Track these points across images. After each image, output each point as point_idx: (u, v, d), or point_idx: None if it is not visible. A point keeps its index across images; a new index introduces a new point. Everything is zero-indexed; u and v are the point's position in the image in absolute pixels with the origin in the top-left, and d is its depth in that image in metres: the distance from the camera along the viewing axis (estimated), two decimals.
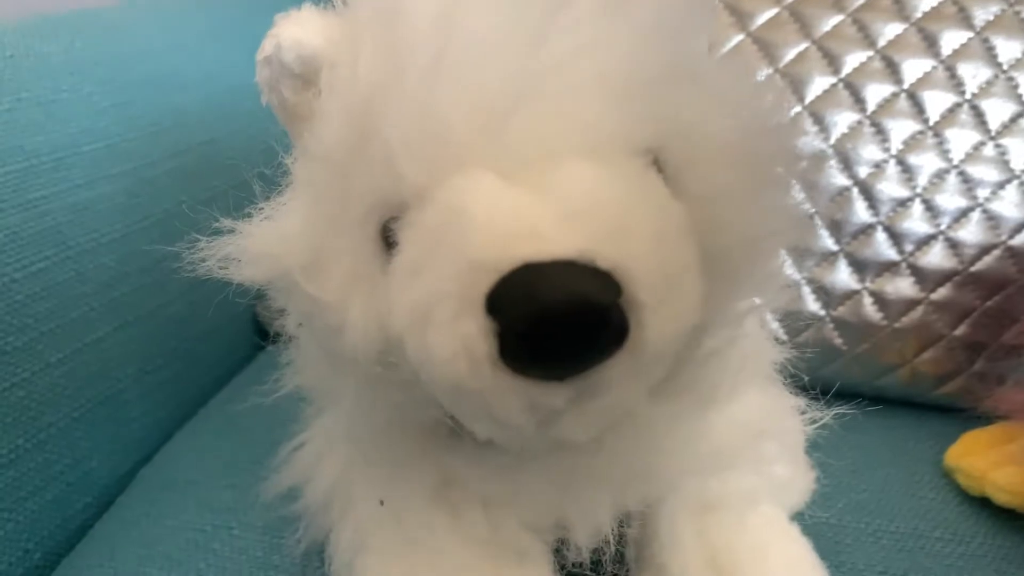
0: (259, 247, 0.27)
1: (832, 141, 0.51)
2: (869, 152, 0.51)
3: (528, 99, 0.22)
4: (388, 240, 0.25)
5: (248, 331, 0.62)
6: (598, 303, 0.20)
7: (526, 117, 0.22)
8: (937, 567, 0.41)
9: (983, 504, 0.45)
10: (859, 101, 0.51)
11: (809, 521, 0.41)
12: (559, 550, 0.33)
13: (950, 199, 0.51)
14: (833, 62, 0.51)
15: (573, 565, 0.32)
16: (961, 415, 0.50)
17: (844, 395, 0.55)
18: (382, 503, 0.32)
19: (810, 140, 0.51)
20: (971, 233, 0.51)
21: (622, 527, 0.34)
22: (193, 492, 0.45)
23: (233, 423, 0.53)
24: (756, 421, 0.33)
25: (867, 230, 0.51)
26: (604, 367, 0.21)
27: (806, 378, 0.39)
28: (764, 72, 0.51)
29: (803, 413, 0.35)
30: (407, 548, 0.32)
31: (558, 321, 0.20)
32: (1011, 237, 0.51)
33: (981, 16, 0.50)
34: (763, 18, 0.52)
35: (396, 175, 0.23)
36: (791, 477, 0.37)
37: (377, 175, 0.24)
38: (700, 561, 0.32)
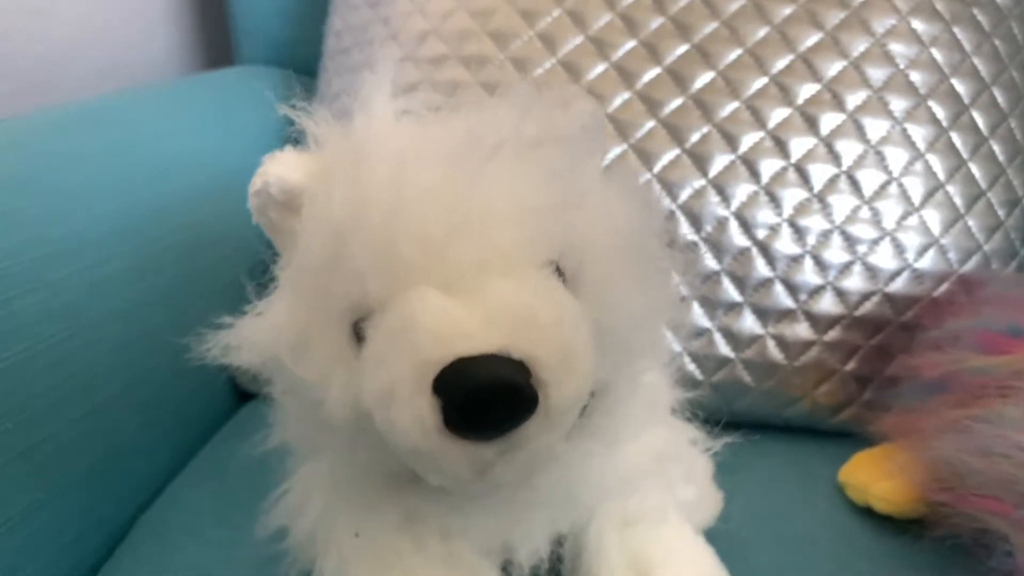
0: (253, 336, 0.35)
1: (733, 209, 0.60)
2: (765, 216, 0.59)
3: (460, 233, 0.31)
4: (358, 335, 0.32)
5: (226, 392, 0.69)
6: (514, 384, 0.28)
7: (459, 246, 0.30)
8: (825, 565, 0.49)
9: (867, 513, 0.52)
10: (755, 174, 0.60)
11: (722, 533, 0.48)
12: (505, 568, 0.40)
13: (835, 254, 0.59)
14: (731, 142, 0.60)
15: None
16: (855, 439, 0.57)
17: (756, 426, 0.64)
18: (357, 535, 0.39)
19: (714, 208, 0.60)
20: (854, 283, 0.60)
21: (560, 545, 0.42)
22: (192, 532, 0.52)
23: (220, 472, 0.59)
24: (660, 451, 0.41)
25: (767, 283, 0.60)
26: (522, 427, 0.29)
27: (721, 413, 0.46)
28: (673, 153, 0.60)
29: (697, 443, 0.43)
30: (381, 572, 0.39)
31: (485, 398, 0.28)
32: (887, 285, 0.60)
33: (852, 101, 0.60)
34: (671, 106, 0.60)
35: (363, 289, 0.31)
36: (698, 498, 0.45)
37: (348, 287, 0.32)
38: (622, 566, 0.40)
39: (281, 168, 0.35)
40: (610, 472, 0.39)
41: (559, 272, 0.33)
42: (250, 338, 0.35)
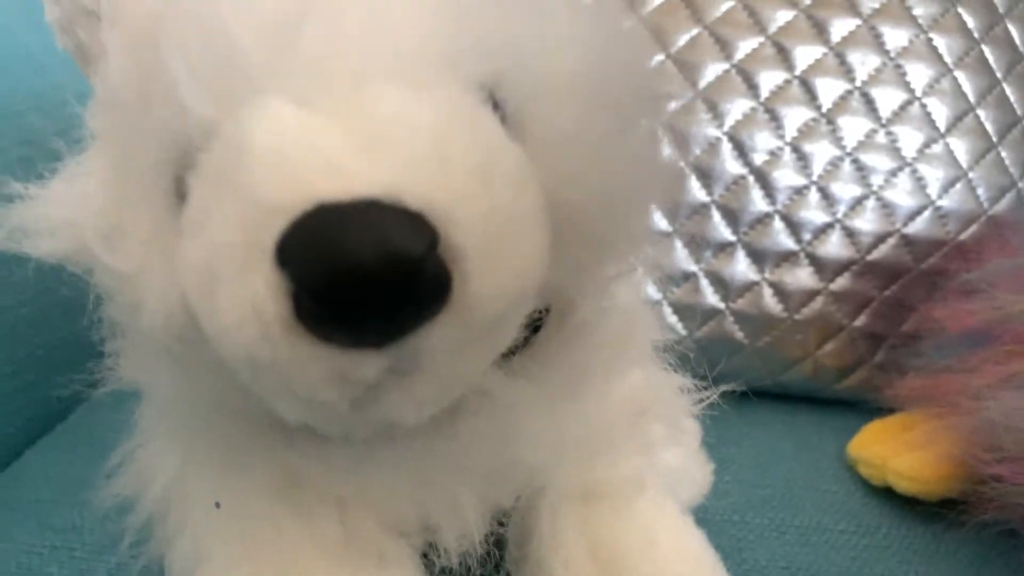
0: (56, 214, 0.24)
1: (726, 128, 0.50)
2: (763, 139, 0.50)
3: (332, 11, 0.19)
4: (183, 194, 0.21)
5: None
6: (408, 252, 0.17)
7: (329, 33, 0.19)
8: (842, 559, 0.39)
9: (886, 494, 0.43)
10: (752, 88, 0.50)
11: (710, 517, 0.39)
12: (427, 554, 0.30)
13: (845, 187, 0.50)
14: (725, 48, 0.50)
15: (442, 571, 0.29)
16: (864, 408, 0.49)
17: (748, 393, 0.54)
18: (218, 505, 0.28)
19: (703, 128, 0.50)
20: (867, 221, 0.50)
21: (501, 525, 0.31)
22: (35, 512, 0.41)
23: (93, 438, 0.48)
24: (638, 400, 0.30)
25: (764, 219, 0.50)
26: (424, 330, 0.18)
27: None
28: (655, 59, 0.50)
29: (688, 392, 0.33)
30: (253, 556, 0.28)
31: (361, 275, 0.17)
32: (905, 225, 0.50)
33: (868, 4, 0.50)
34: (654, 2, 0.50)
35: (181, 109, 0.20)
36: (683, 467, 0.35)
37: (165, 113, 0.21)
38: (583, 554, 0.29)
39: None
40: (569, 426, 0.28)
41: (495, 107, 0.22)
42: (51, 216, 0.24)
